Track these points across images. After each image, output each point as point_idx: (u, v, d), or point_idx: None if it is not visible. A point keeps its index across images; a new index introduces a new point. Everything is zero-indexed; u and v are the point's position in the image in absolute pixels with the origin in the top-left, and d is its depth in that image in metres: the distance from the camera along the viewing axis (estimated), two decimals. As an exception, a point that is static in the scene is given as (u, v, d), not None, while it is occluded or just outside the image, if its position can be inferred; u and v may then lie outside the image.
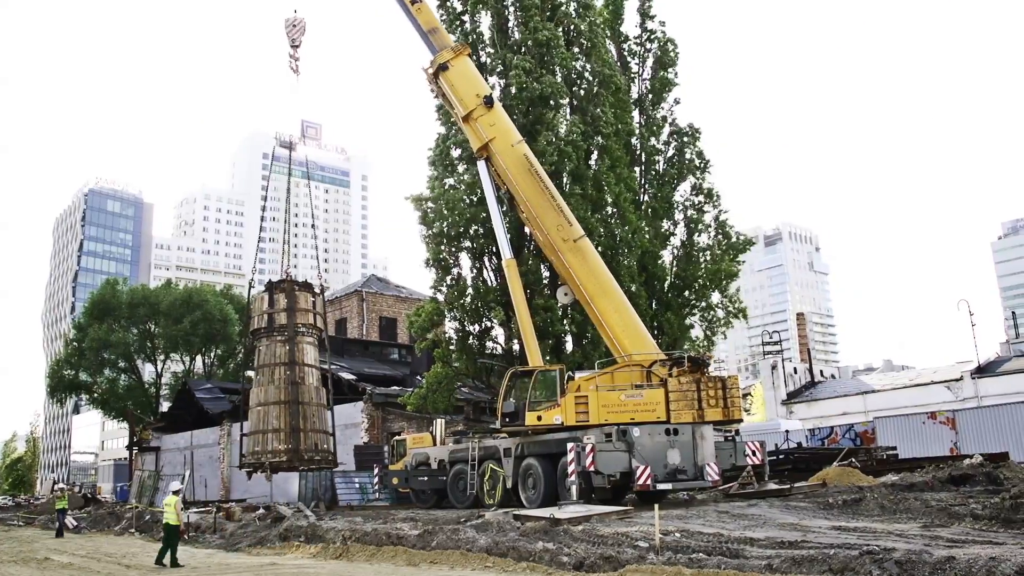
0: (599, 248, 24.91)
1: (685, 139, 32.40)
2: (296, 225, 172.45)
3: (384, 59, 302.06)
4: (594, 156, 30.00)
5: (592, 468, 17.53)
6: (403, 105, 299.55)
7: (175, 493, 15.92)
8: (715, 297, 31.55)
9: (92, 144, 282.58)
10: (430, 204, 28.50)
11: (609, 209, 29.33)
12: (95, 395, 59.60)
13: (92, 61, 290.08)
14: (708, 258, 31.51)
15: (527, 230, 24.83)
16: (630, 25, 34.10)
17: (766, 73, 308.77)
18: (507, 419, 20.37)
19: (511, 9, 29.93)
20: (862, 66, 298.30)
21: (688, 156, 32.27)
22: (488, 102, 23.17)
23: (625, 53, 33.80)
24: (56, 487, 33.19)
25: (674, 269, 31.73)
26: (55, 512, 27.06)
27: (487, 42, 29.76)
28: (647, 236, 30.28)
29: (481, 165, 23.36)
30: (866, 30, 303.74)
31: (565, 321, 27.58)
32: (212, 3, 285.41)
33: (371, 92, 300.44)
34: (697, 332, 31.69)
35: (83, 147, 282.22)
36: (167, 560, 14.97)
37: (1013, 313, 63.09)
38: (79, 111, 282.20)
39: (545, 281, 27.99)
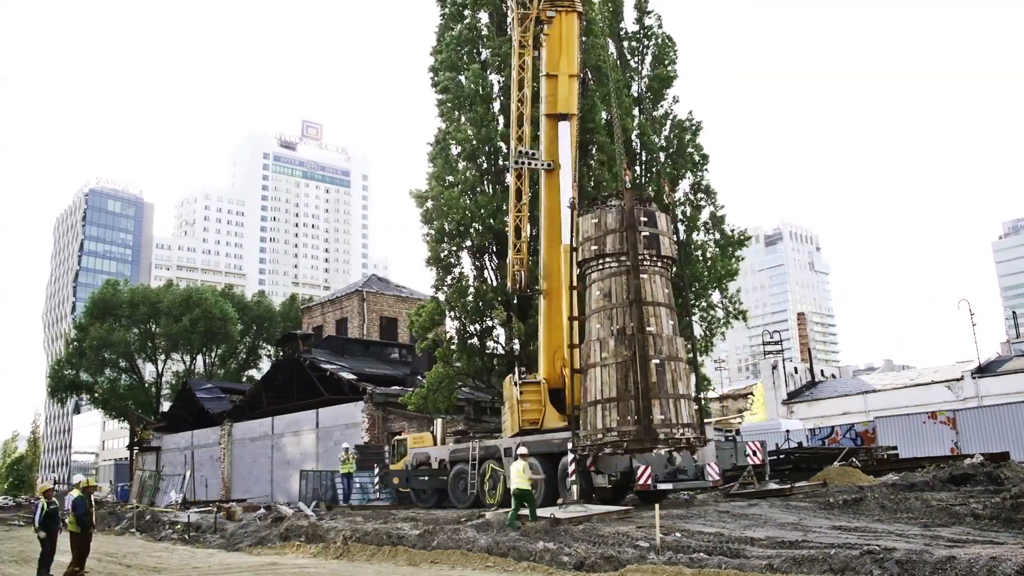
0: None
1: (685, 133, 32.05)
2: (297, 225, 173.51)
3: (385, 59, 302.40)
4: (592, 152, 29.86)
5: (593, 468, 17.53)
6: (404, 104, 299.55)
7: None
8: (715, 296, 31.43)
9: (92, 144, 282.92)
10: (431, 202, 28.41)
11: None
12: (96, 395, 59.69)
13: (92, 61, 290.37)
14: (706, 256, 31.35)
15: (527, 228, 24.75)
16: (630, 23, 34.01)
17: (767, 73, 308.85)
18: None
19: (510, 4, 29.93)
20: (863, 66, 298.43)
21: (689, 150, 32.03)
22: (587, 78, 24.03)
23: (625, 51, 33.67)
24: (344, 446, 29.04)
25: (674, 268, 31.50)
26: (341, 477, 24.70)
27: (484, 40, 29.76)
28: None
29: (564, 126, 23.26)
30: (867, 30, 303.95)
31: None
32: (212, 2, 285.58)
33: (371, 92, 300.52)
34: (697, 331, 31.52)
35: (83, 147, 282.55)
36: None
37: (1013, 313, 63.09)
38: (79, 111, 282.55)
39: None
